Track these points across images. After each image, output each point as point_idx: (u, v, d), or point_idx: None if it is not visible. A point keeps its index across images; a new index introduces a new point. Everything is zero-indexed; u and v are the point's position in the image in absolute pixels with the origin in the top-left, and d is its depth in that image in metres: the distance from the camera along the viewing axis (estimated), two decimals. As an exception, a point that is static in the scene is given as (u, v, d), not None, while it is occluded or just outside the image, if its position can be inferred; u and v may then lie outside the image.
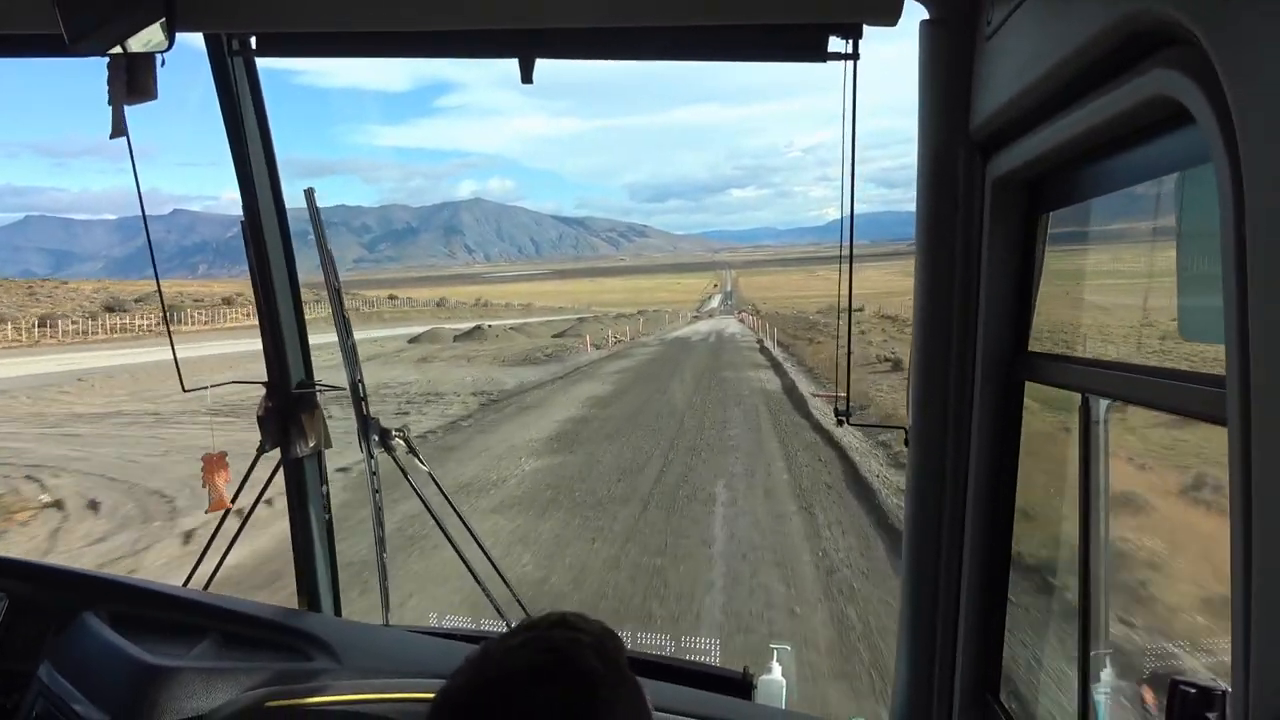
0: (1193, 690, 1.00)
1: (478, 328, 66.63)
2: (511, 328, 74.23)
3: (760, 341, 57.74)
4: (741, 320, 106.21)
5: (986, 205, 1.61)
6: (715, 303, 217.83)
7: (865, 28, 1.84)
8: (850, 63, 1.91)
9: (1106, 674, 1.59)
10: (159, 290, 2.71)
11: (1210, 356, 1.04)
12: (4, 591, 2.25)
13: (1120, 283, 1.79)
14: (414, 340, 59.21)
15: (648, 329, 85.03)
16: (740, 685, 2.36)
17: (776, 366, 37.15)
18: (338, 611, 2.87)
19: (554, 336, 65.61)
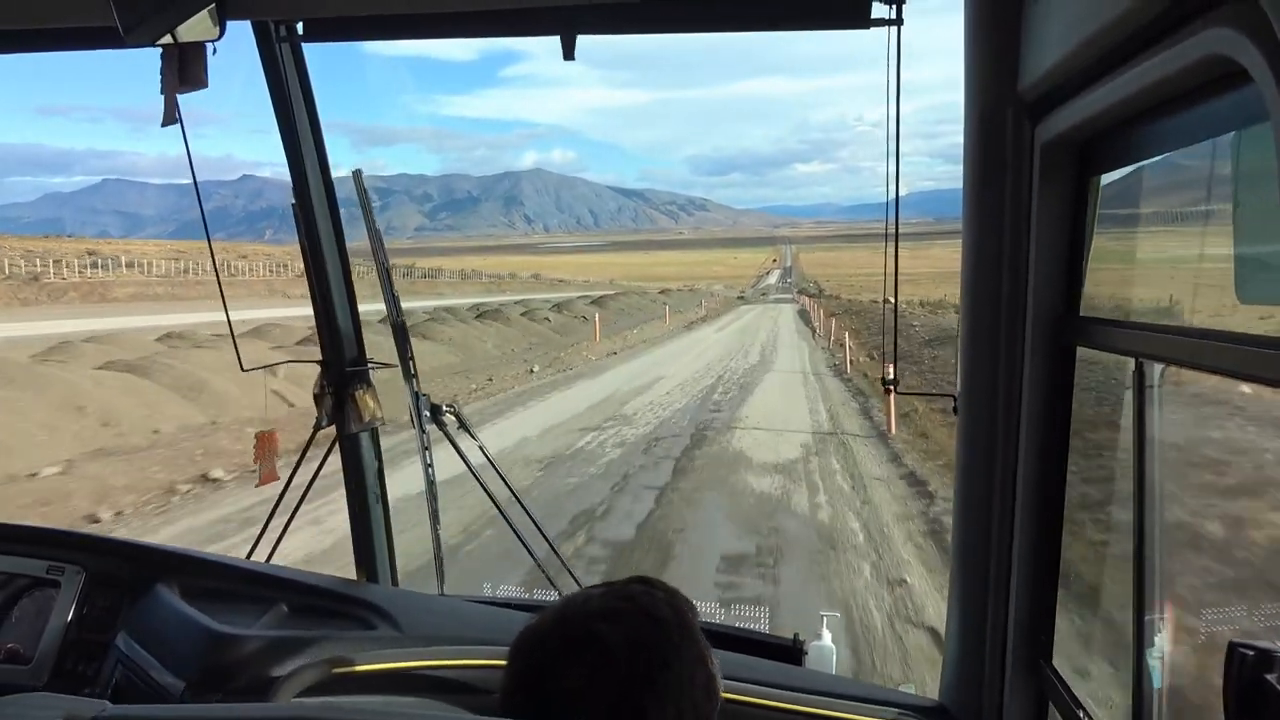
0: (1251, 653, 0.98)
1: None
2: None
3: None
4: (803, 310, 63.60)
5: (1036, 168, 1.57)
6: (772, 279, 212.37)
7: None
8: (895, 29, 1.86)
9: (1161, 639, 1.57)
10: (213, 261, 2.77)
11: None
12: (80, 566, 2.35)
13: (1175, 248, 1.73)
14: None
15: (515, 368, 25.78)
16: (791, 651, 2.37)
17: None
18: (394, 581, 2.94)
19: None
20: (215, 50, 1.97)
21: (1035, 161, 1.56)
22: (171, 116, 2.02)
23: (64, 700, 1.17)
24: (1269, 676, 0.97)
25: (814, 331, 42.21)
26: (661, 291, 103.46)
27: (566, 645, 1.26)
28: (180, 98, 2.11)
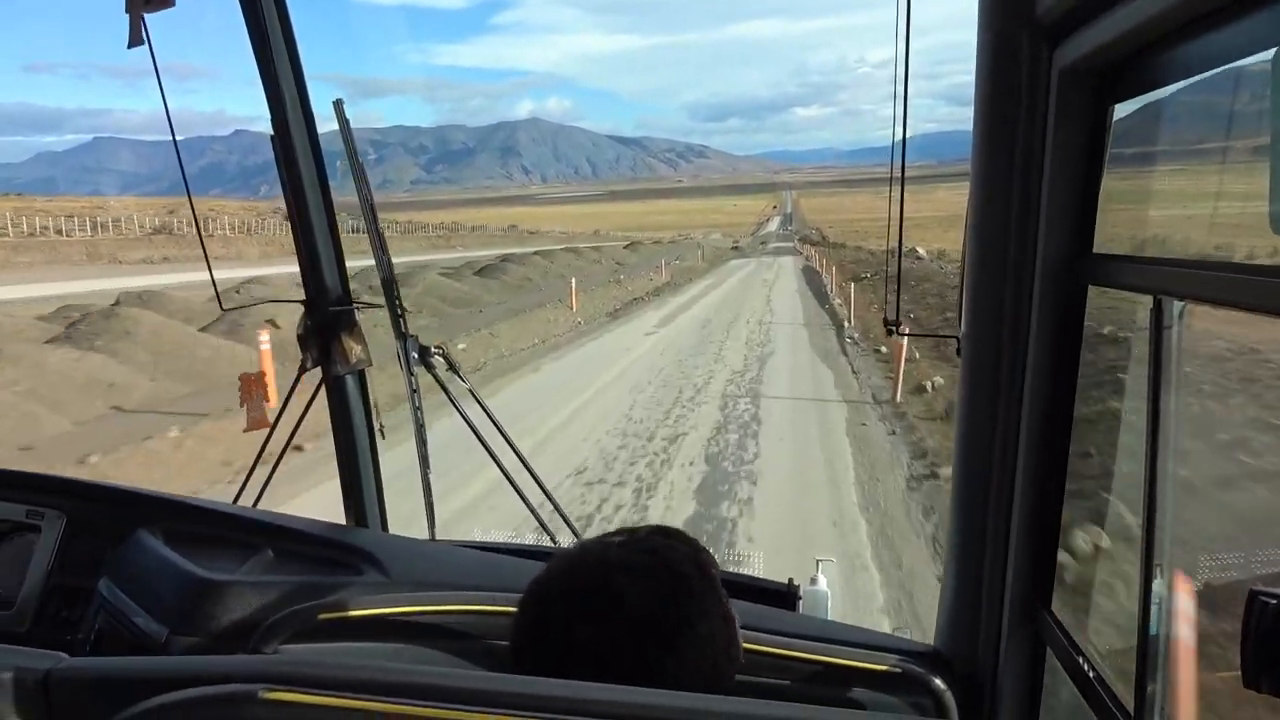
0: (1273, 601, 0.93)
1: None
2: None
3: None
4: (809, 269, 47.91)
5: (1052, 97, 1.47)
6: (772, 226, 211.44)
7: None
8: None
9: (1169, 586, 1.52)
10: (192, 209, 2.69)
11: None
12: (61, 510, 2.32)
13: (1201, 179, 1.65)
14: None
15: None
16: (785, 596, 2.34)
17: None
18: (384, 526, 2.90)
19: None
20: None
21: (1052, 89, 1.47)
22: (138, 37, 1.92)
23: (18, 653, 1.12)
24: None
25: (841, 329, 21.65)
26: (628, 246, 78.02)
27: (581, 596, 1.21)
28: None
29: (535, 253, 50.30)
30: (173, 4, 1.92)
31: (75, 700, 1.11)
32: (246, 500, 2.66)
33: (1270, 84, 1.07)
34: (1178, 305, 1.37)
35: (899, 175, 2.00)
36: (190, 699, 0.99)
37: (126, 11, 1.92)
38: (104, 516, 2.30)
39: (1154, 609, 1.47)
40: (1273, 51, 1.03)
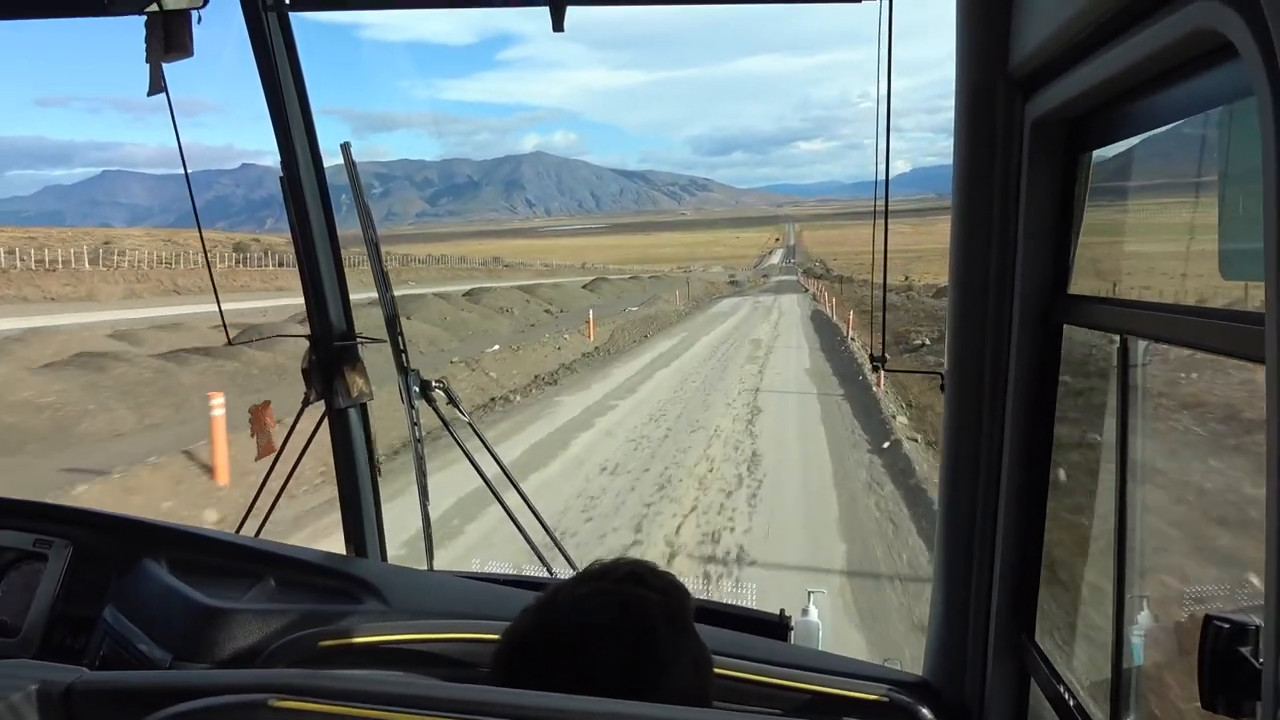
0: (1226, 625, 0.98)
1: None
2: None
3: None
4: (819, 314, 38.91)
5: (1025, 146, 1.56)
6: (776, 258, 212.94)
7: None
8: (886, 2, 1.85)
9: (1142, 616, 1.57)
10: (202, 245, 2.76)
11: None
12: (68, 539, 2.36)
13: (1164, 225, 1.73)
14: None
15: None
16: (777, 627, 2.37)
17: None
18: (383, 556, 2.94)
19: None
20: (200, 19, 1.98)
21: (1025, 139, 1.55)
22: (157, 85, 2.01)
23: (40, 667, 1.17)
24: (1243, 649, 0.96)
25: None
26: (589, 285, 65.87)
27: (549, 654, 1.21)
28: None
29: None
30: (191, 54, 2.01)
31: (95, 713, 1.15)
32: (249, 530, 2.71)
33: (1218, 137, 1.15)
34: (1143, 344, 1.44)
35: (885, 216, 2.09)
36: (201, 708, 1.04)
37: (147, 61, 2.01)
38: (110, 546, 2.34)
39: (1129, 638, 1.52)
40: (1220, 110, 1.11)
